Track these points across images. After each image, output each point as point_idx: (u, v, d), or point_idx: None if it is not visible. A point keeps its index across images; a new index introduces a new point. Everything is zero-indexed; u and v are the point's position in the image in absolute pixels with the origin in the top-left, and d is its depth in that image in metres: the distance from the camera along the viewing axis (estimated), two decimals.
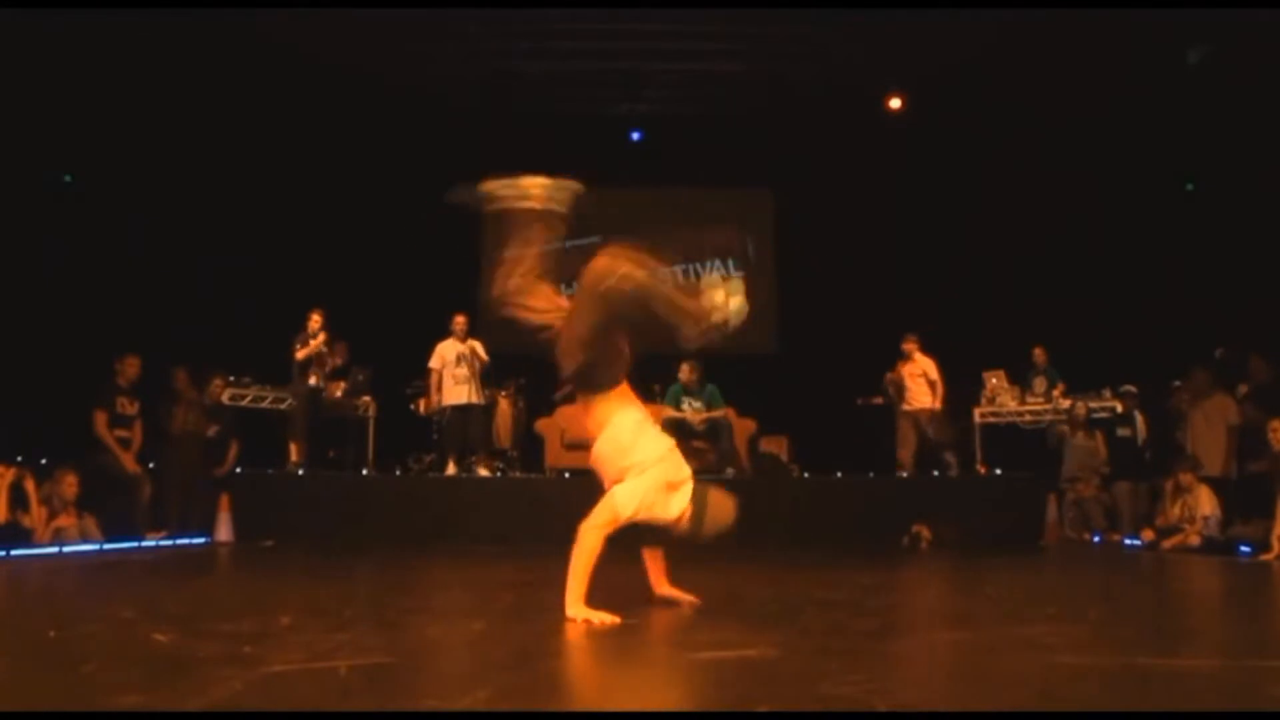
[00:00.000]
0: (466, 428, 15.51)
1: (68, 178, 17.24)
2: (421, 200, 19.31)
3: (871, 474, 15.63)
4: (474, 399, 15.53)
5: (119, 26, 14.68)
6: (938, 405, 16.02)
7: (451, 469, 15.19)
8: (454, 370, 15.44)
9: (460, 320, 15.75)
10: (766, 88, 18.68)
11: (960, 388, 16.43)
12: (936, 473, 15.68)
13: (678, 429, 15.21)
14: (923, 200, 18.97)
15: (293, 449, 15.14)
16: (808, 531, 13.55)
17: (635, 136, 20.87)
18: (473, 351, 15.50)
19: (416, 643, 5.05)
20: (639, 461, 6.23)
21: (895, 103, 19.28)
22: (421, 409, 17.01)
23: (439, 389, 15.55)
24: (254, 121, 17.38)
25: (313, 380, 15.16)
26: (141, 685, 3.89)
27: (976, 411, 16.51)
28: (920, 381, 16.10)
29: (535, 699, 3.82)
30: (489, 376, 15.90)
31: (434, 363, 15.52)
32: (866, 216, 19.16)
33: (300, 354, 15.04)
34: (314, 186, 18.16)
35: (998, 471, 15.57)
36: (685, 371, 15.53)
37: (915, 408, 15.99)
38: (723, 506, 6.27)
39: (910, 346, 16.29)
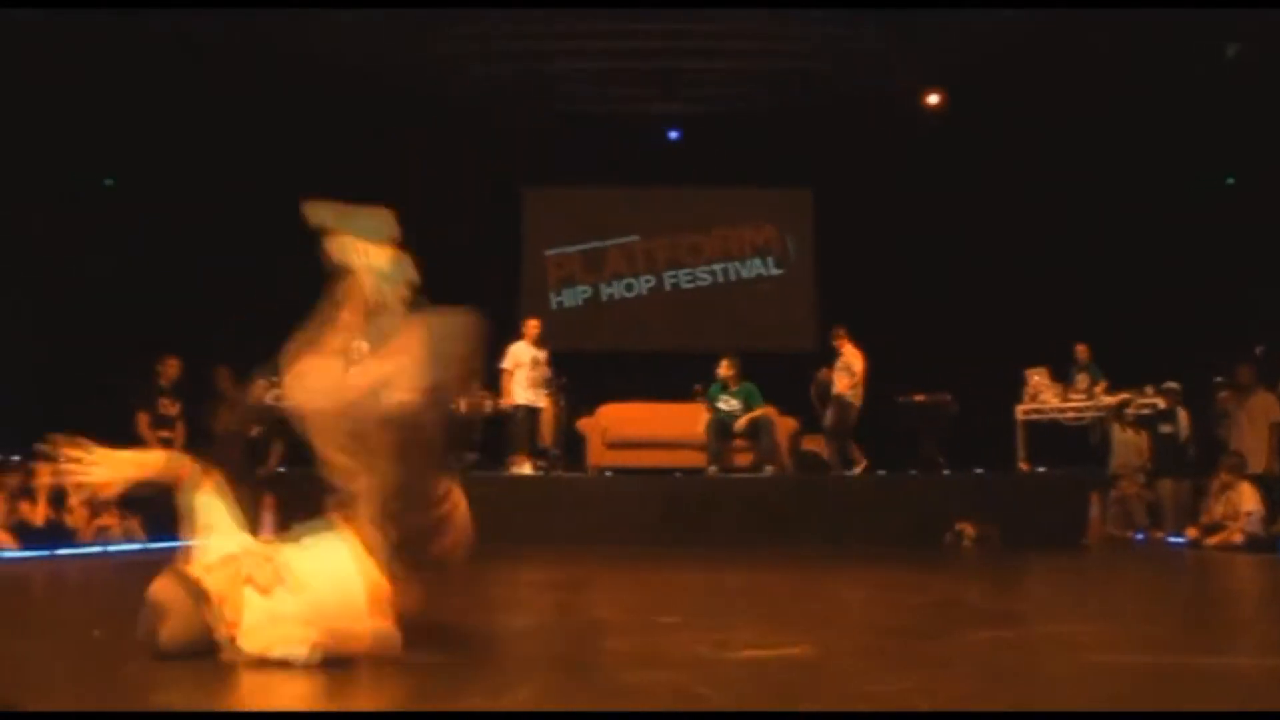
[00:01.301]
0: (533, 429, 15.57)
1: (109, 181, 17.33)
2: (461, 201, 19.42)
3: (913, 472, 15.58)
4: (542, 403, 15.62)
5: (159, 30, 14.75)
6: (843, 391, 16.03)
7: (528, 468, 15.24)
8: (528, 372, 15.50)
9: (534, 325, 15.86)
10: (805, 85, 18.65)
11: (1002, 385, 16.37)
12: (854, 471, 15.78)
13: (719, 428, 15.22)
14: (962, 196, 18.87)
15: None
16: (849, 530, 13.50)
17: (673, 136, 20.85)
18: (541, 358, 15.59)
19: (459, 641, 5.06)
20: None
21: (934, 99, 19.21)
22: (464, 409, 17.03)
23: (509, 389, 15.60)
24: (294, 124, 17.43)
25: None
26: (183, 684, 3.91)
27: (1019, 409, 16.41)
28: (843, 374, 16.11)
29: (576, 699, 3.83)
30: (550, 383, 15.93)
31: (506, 363, 15.54)
32: (906, 213, 19.06)
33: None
34: (356, 188, 18.17)
35: (1040, 469, 15.51)
36: (724, 368, 15.51)
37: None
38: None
39: (838, 342, 16.32)
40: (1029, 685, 4.04)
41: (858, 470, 15.48)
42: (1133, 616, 6.46)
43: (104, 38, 14.52)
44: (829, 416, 16.20)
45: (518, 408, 15.47)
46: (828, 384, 16.30)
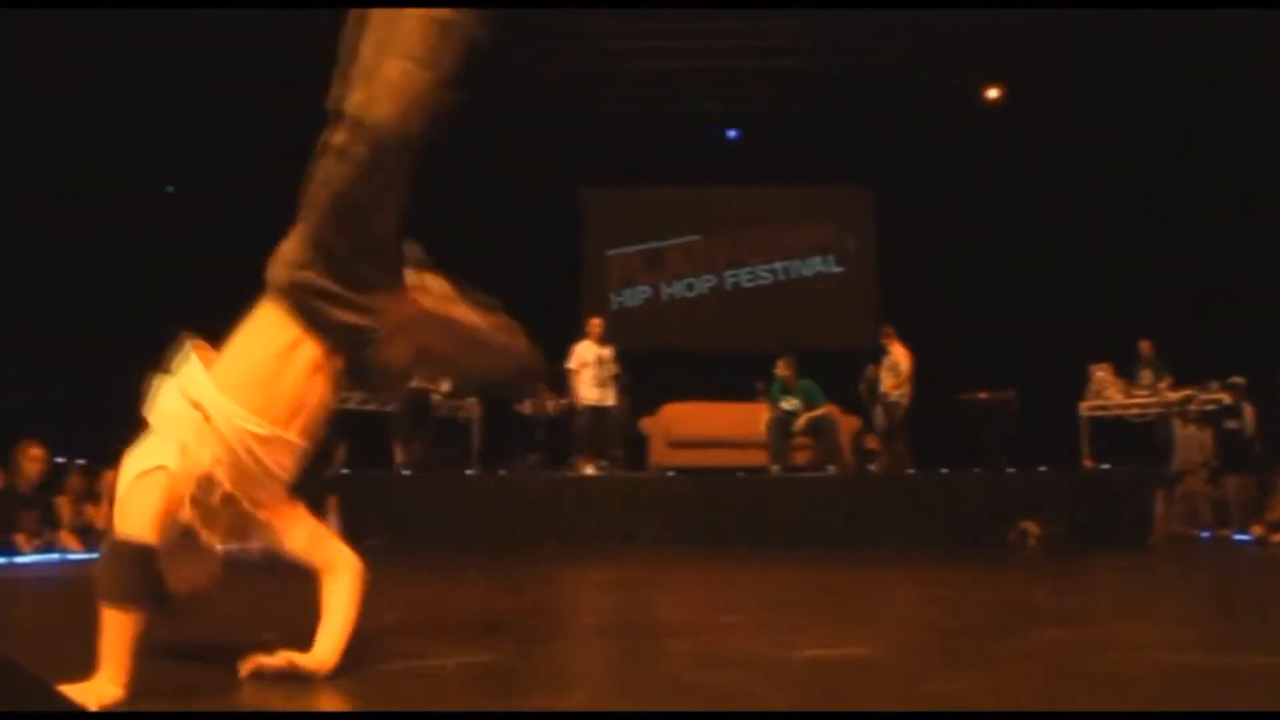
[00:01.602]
0: (601, 429, 15.58)
1: (171, 188, 17.46)
2: (522, 202, 19.47)
3: (977, 470, 15.51)
4: (609, 401, 15.62)
5: (223, 34, 14.86)
6: (889, 391, 15.98)
7: (590, 469, 15.26)
8: (594, 372, 15.53)
9: (597, 323, 15.92)
10: (863, 83, 18.59)
11: (1066, 381, 16.28)
12: (872, 466, 15.70)
13: (781, 426, 15.20)
14: (1023, 191, 18.77)
15: (398, 450, 15.25)
16: (913, 528, 13.45)
17: (732, 135, 20.84)
18: (607, 355, 15.61)
19: (523, 641, 5.08)
20: None
21: (993, 93, 19.13)
22: (527, 409, 17.08)
23: (576, 389, 15.62)
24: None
25: (415, 380, 15.23)
26: (248, 683, 3.95)
27: (1083, 405, 16.31)
28: (888, 374, 16.06)
29: (637, 699, 3.84)
30: (618, 381, 15.93)
31: (572, 363, 15.58)
32: (966, 209, 18.99)
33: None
34: (417, 191, 18.25)
35: (1105, 466, 15.41)
36: (781, 368, 15.50)
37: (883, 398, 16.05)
38: None
39: (886, 340, 16.27)
40: (1094, 685, 4.02)
41: (873, 467, 15.39)
42: (1198, 615, 6.42)
43: (170, 43, 14.64)
44: (878, 415, 16.17)
45: (584, 408, 15.49)
46: (875, 380, 16.26)
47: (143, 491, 3.80)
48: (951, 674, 4.07)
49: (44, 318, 14.51)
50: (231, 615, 6.37)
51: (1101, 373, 16.32)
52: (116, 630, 3.63)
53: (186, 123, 15.91)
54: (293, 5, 14.30)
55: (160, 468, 3.86)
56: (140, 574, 3.68)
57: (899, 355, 16.06)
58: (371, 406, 16.08)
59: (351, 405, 15.89)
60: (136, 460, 3.95)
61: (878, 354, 16.36)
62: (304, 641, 4.15)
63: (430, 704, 3.59)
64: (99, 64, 14.47)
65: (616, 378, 15.74)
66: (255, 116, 16.43)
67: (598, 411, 15.50)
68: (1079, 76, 17.42)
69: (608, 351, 15.65)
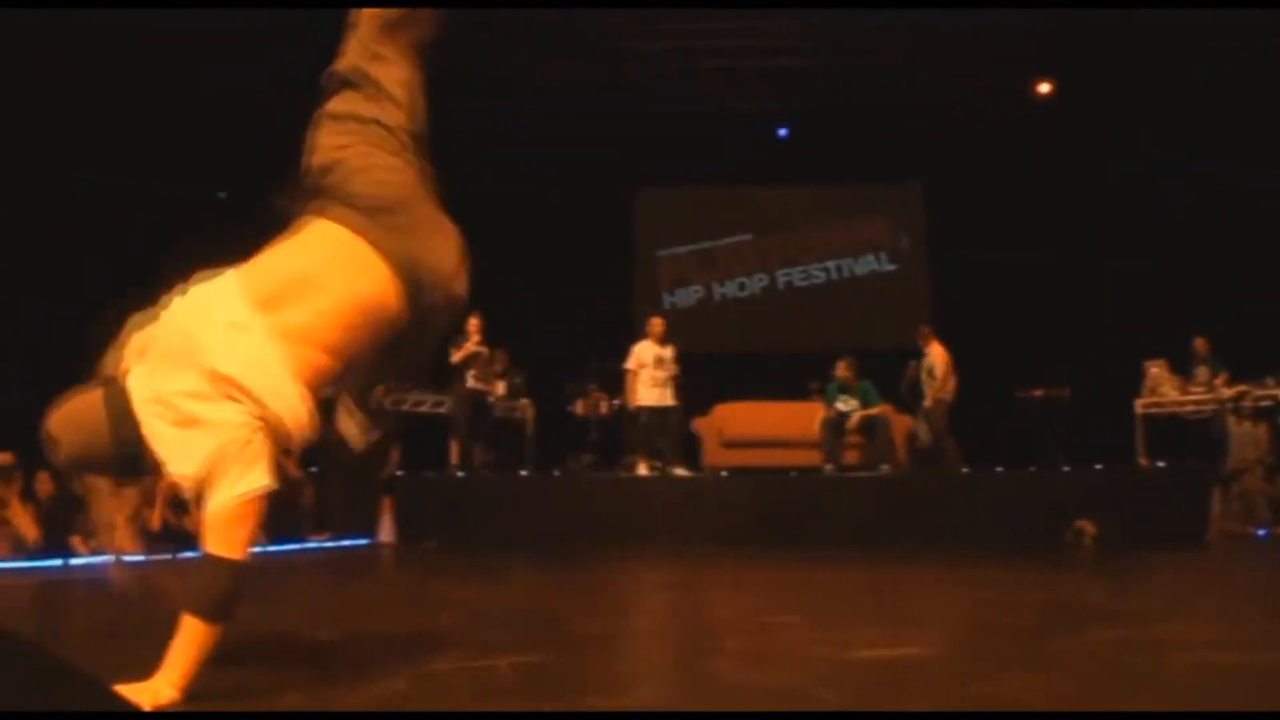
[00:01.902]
0: (661, 429, 15.56)
1: (222, 194, 17.55)
2: (573, 204, 19.50)
3: (1032, 468, 15.44)
4: (670, 401, 15.62)
5: (268, 39, 14.92)
6: (928, 405, 15.90)
7: (644, 469, 15.26)
8: (652, 372, 15.52)
9: (657, 323, 15.89)
10: (914, 79, 18.52)
11: (1121, 378, 16.18)
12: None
13: (834, 426, 15.19)
14: (1076, 187, 18.69)
15: (454, 450, 15.30)
16: (967, 527, 13.41)
17: (782, 133, 20.81)
18: (667, 356, 15.59)
19: (576, 641, 5.09)
20: None
21: (1044, 87, 19.03)
22: (580, 410, 17.11)
23: (634, 390, 15.61)
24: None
25: (471, 382, 15.26)
26: (305, 683, 3.97)
27: (1138, 402, 16.21)
28: (927, 376, 15.99)
29: (692, 699, 3.85)
30: (676, 382, 15.90)
31: (631, 364, 15.56)
32: (1019, 205, 18.89)
33: (456, 356, 15.14)
34: (466, 192, 18.30)
35: (1160, 464, 15.31)
36: (842, 368, 15.49)
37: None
38: None
39: (923, 341, 16.20)
40: (1150, 686, 4.01)
41: (885, 467, 15.32)
42: (1253, 615, 6.38)
43: (221, 47, 14.71)
44: (920, 417, 16.09)
45: (641, 408, 15.48)
46: (917, 377, 16.19)
47: (245, 516, 3.82)
48: (1005, 674, 4.06)
49: (100, 324, 14.60)
50: (288, 614, 6.41)
51: (1156, 369, 16.21)
52: (195, 640, 3.63)
53: (237, 127, 15.98)
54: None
55: (263, 494, 3.83)
56: (236, 592, 3.67)
57: (935, 357, 15.99)
58: (425, 409, 16.14)
59: (406, 407, 15.95)
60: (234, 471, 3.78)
61: (919, 354, 16.30)
62: (357, 638, 4.18)
63: (481, 704, 3.61)
64: (154, 67, 14.57)
65: (675, 378, 15.71)
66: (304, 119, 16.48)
67: (657, 412, 15.45)
68: (1131, 70, 17.31)
69: (668, 352, 15.61)
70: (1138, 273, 17.90)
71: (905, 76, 18.49)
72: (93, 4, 13.08)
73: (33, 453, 11.11)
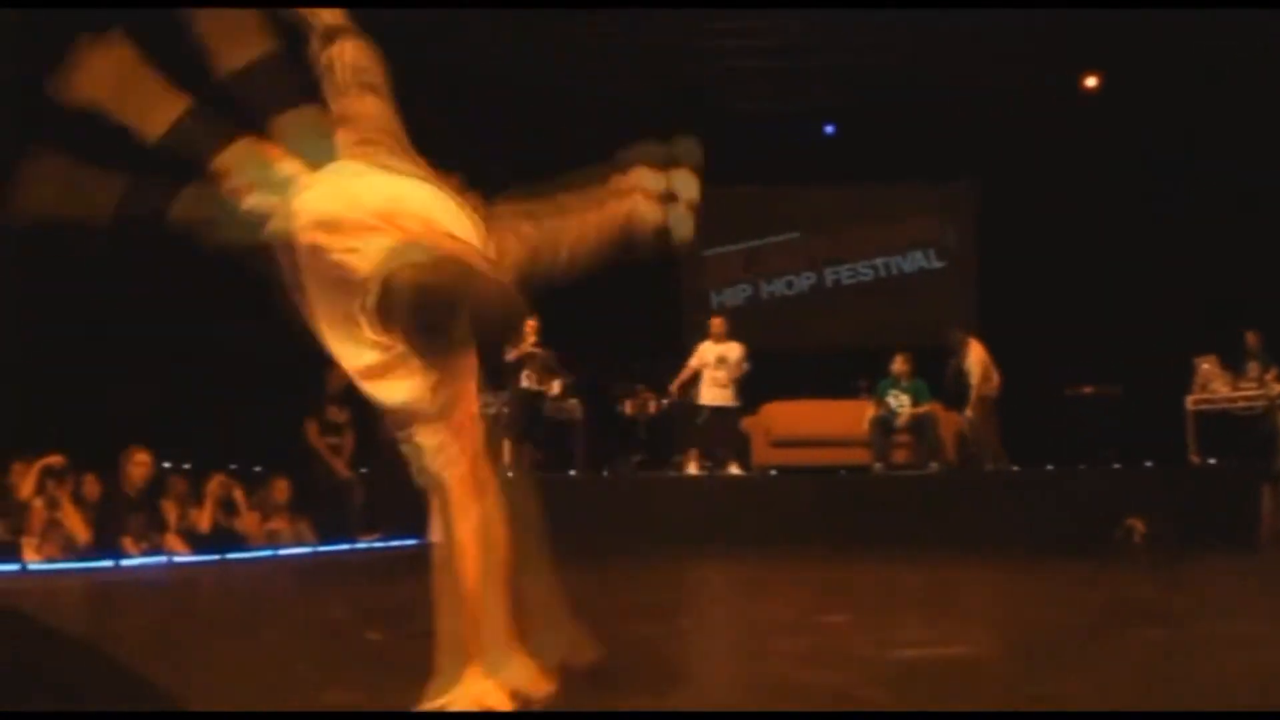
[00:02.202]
0: (719, 429, 15.56)
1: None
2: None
3: (1082, 466, 15.36)
4: (730, 401, 15.61)
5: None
6: (969, 411, 15.81)
7: (694, 467, 15.28)
8: (713, 372, 15.52)
9: (717, 323, 15.94)
10: (962, 75, 18.44)
11: (1172, 374, 16.07)
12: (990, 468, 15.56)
13: (883, 424, 15.16)
14: (1125, 182, 18.58)
15: (507, 450, 15.36)
16: (1017, 526, 13.36)
17: (829, 130, 20.75)
18: (731, 357, 15.59)
19: (625, 641, 5.10)
20: None
21: (1091, 81, 18.92)
22: (629, 410, 17.10)
23: (691, 387, 15.64)
24: (445, 128, 17.58)
25: (525, 382, 15.30)
26: (355, 682, 3.99)
27: (1189, 399, 16.08)
28: (965, 379, 15.92)
29: (741, 699, 3.85)
30: (737, 383, 15.88)
31: (694, 361, 15.61)
32: (1068, 201, 18.79)
33: (512, 355, 15.18)
34: (515, 193, 18.31)
35: (1211, 461, 15.20)
36: (899, 363, 15.45)
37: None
38: None
39: (962, 344, 16.11)
40: (1199, 685, 3.99)
41: (935, 465, 15.24)
42: None
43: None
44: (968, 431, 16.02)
45: (701, 407, 15.48)
46: (959, 373, 16.11)
47: None
48: (1055, 674, 4.05)
49: (148, 325, 14.68)
50: (338, 614, 6.43)
51: (1207, 365, 16.07)
52: None
53: None
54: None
55: None
56: None
57: (973, 360, 15.91)
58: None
59: None
60: None
61: (957, 356, 16.22)
62: (407, 638, 4.18)
63: (530, 704, 3.61)
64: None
65: (736, 380, 15.69)
66: None
67: (717, 412, 15.42)
68: (1180, 64, 17.21)
69: (731, 352, 15.59)
70: (1188, 267, 17.76)
71: (951, 72, 18.42)
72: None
73: (81, 454, 11.19)
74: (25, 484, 10.61)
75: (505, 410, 15.56)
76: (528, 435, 15.44)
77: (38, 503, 10.51)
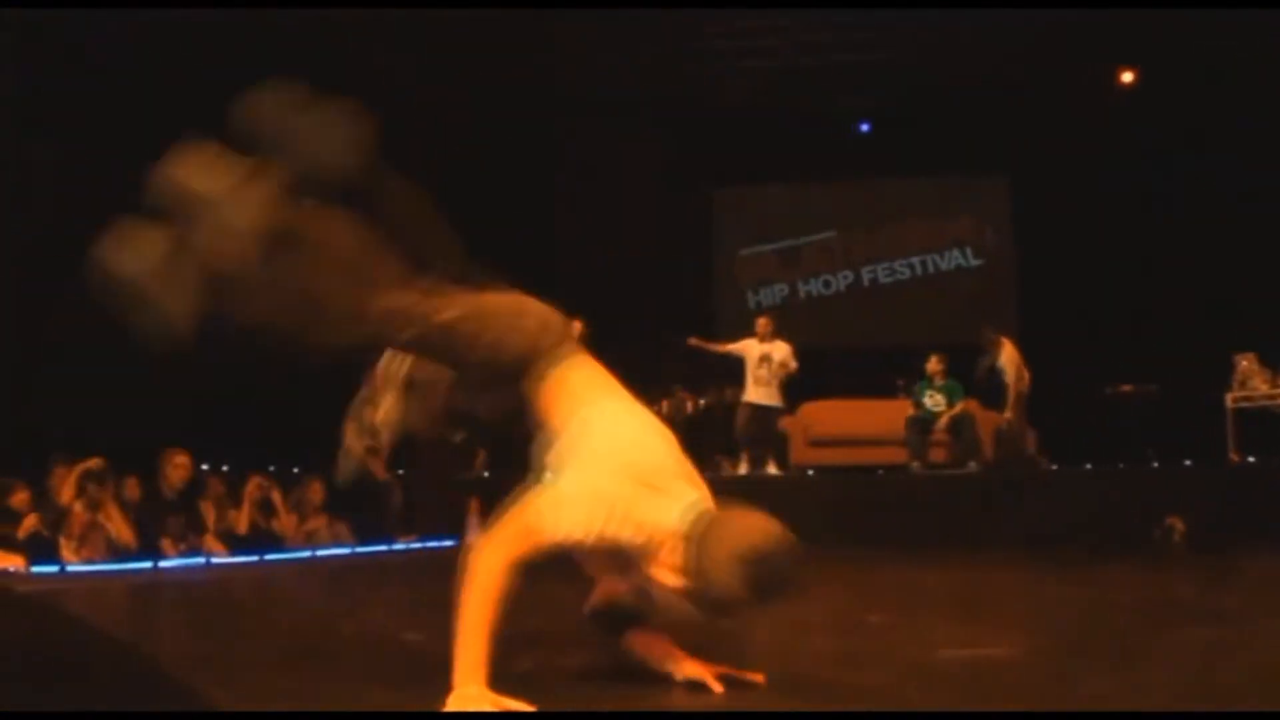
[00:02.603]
0: (760, 428, 15.56)
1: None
2: (653, 204, 19.48)
3: (1121, 465, 15.31)
4: (771, 401, 15.62)
5: (380, 42, 15.06)
6: (1009, 412, 15.76)
7: (744, 467, 15.30)
8: (755, 371, 15.54)
9: (762, 322, 15.95)
10: (998, 71, 18.38)
11: (1211, 372, 15.99)
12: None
13: (920, 425, 15.13)
14: (1163, 179, 18.49)
15: None
16: (1057, 525, 13.30)
17: (864, 128, 20.72)
18: (776, 356, 15.60)
19: None
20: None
21: (1127, 77, 18.83)
22: (665, 410, 17.10)
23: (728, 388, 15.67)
24: (485, 127, 17.61)
25: None
26: (392, 683, 3.99)
27: (1228, 397, 16.01)
28: (1000, 378, 15.87)
29: (780, 699, 3.84)
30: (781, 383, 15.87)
31: (732, 347, 15.64)
32: (1106, 198, 18.74)
33: None
34: (545, 191, 18.36)
35: (1251, 459, 15.12)
36: (934, 363, 15.41)
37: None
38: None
39: (991, 345, 16.05)
40: (1239, 685, 3.96)
41: (973, 465, 15.16)
42: None
43: (319, 52, 14.83)
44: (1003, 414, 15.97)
45: (745, 404, 15.48)
46: (991, 371, 16.05)
47: None
48: (1096, 674, 4.03)
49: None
50: (376, 616, 6.44)
51: (1246, 362, 15.97)
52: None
53: None
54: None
55: None
56: None
57: (1007, 360, 15.87)
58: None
59: None
60: None
61: (987, 355, 16.16)
62: (445, 639, 4.18)
63: (566, 704, 3.61)
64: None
65: (780, 380, 15.68)
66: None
67: (759, 410, 15.42)
68: (1218, 57, 17.11)
69: (777, 351, 15.60)
70: (1226, 264, 17.68)
71: (986, 68, 18.35)
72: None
73: (120, 456, 11.23)
74: (65, 488, 10.68)
75: None
76: None
77: (78, 506, 10.57)
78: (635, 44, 17.63)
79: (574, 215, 18.99)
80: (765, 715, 3.61)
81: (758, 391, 15.45)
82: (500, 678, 3.64)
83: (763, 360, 15.47)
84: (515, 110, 17.92)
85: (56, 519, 10.56)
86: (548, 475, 4.00)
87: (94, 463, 10.81)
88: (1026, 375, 15.71)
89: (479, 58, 16.62)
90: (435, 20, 15.34)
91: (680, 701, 3.76)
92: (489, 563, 3.76)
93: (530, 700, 3.45)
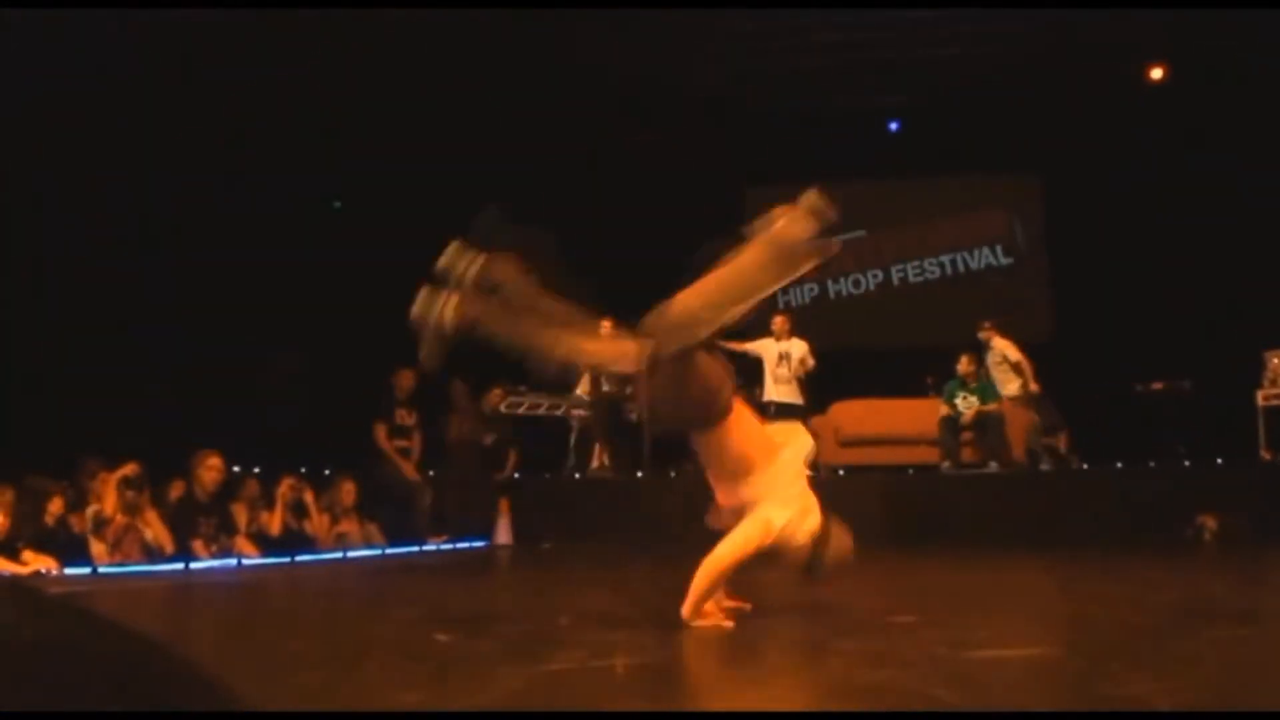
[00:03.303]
0: None
1: (337, 205, 17.74)
2: (684, 204, 19.48)
3: (1152, 463, 15.26)
4: (792, 399, 15.62)
5: (385, 45, 15.05)
6: (1032, 387, 15.74)
7: None
8: (775, 370, 15.55)
9: (779, 320, 16.06)
10: (1027, 68, 18.32)
11: (1243, 369, 15.93)
12: (1045, 466, 15.43)
13: (948, 425, 15.10)
14: (1194, 175, 18.40)
15: (597, 452, 15.47)
16: (1088, 524, 13.28)
17: (893, 127, 20.68)
18: (794, 354, 15.62)
19: (693, 643, 5.09)
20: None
21: (1157, 73, 18.76)
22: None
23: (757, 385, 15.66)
24: (517, 131, 17.62)
25: (605, 385, 15.37)
26: (423, 683, 4.00)
27: (1259, 394, 15.93)
28: (1003, 368, 15.81)
29: (809, 699, 3.84)
30: (802, 382, 15.87)
31: (750, 346, 15.59)
32: (1138, 194, 18.66)
33: None
34: (579, 192, 18.35)
35: None
36: (964, 364, 15.39)
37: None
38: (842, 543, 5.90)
39: (987, 334, 16.06)
40: (1276, 686, 3.95)
41: (994, 465, 15.12)
42: None
43: (332, 56, 14.85)
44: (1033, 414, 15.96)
45: (769, 403, 15.47)
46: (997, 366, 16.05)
47: None
48: (1128, 674, 4.01)
49: (219, 331, 14.81)
50: (407, 616, 6.46)
51: (1277, 360, 15.91)
52: None
53: (354, 137, 16.14)
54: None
55: None
56: None
57: (1006, 349, 15.89)
58: (542, 411, 16.21)
59: (523, 410, 16.04)
60: None
61: (982, 350, 16.14)
62: (476, 639, 4.19)
63: (597, 705, 3.61)
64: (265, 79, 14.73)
65: (800, 378, 15.70)
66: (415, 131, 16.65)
67: (781, 409, 15.38)
68: (1247, 53, 17.03)
69: (795, 349, 15.60)
70: (1256, 261, 17.59)
71: (1015, 65, 18.29)
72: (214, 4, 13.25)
73: (153, 458, 11.29)
74: (106, 494, 10.75)
75: (587, 414, 15.71)
76: (612, 437, 15.55)
77: (116, 511, 10.66)
78: (668, 43, 17.62)
79: (605, 214, 18.97)
80: (790, 716, 3.60)
81: (779, 390, 15.48)
82: (531, 676, 3.65)
83: (781, 359, 15.51)
84: (550, 108, 17.92)
85: (97, 524, 10.64)
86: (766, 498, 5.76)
87: (131, 468, 10.87)
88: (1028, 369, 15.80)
89: (505, 55, 16.63)
90: (470, 19, 15.36)
91: (697, 701, 3.76)
92: (737, 547, 5.63)
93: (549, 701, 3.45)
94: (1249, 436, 15.43)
